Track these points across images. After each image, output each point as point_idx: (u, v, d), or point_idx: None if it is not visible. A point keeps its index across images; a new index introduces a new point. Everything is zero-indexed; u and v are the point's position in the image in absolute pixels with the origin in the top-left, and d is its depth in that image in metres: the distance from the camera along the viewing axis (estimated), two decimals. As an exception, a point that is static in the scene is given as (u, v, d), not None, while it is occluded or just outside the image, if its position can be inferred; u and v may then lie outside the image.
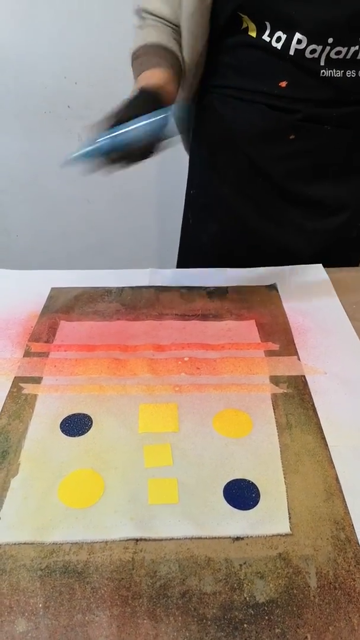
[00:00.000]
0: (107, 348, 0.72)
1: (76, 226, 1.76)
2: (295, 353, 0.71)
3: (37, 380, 0.66)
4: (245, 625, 0.43)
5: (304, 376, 0.67)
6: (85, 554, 0.47)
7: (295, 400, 0.63)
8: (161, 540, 0.48)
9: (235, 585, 0.45)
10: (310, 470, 0.55)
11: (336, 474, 0.54)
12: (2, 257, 1.82)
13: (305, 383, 0.66)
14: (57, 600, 0.44)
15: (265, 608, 0.43)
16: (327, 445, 0.57)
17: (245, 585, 0.45)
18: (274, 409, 0.62)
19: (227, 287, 0.84)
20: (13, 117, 1.57)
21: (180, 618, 0.43)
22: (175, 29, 0.82)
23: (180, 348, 0.71)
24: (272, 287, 0.84)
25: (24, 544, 0.48)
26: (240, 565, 0.46)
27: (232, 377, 0.67)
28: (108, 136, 0.63)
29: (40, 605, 0.44)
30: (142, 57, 0.80)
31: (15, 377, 0.66)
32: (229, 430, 0.59)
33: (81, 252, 1.81)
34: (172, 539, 0.48)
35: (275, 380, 0.66)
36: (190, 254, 1.06)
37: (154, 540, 0.48)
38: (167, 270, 0.89)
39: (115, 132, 0.63)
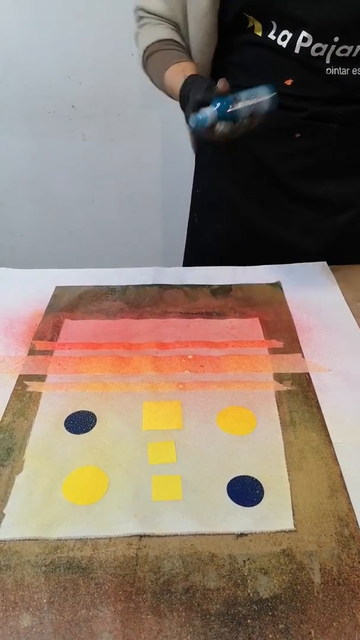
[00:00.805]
0: (111, 346, 0.72)
1: (80, 225, 1.76)
2: (300, 350, 0.70)
3: (41, 378, 0.66)
4: (249, 621, 0.43)
5: (308, 373, 0.67)
6: (89, 550, 0.47)
7: (300, 398, 0.63)
8: (165, 536, 0.48)
9: (239, 581, 0.45)
10: (314, 467, 0.55)
11: (340, 471, 0.54)
12: (7, 256, 1.83)
13: (309, 380, 0.66)
14: (61, 595, 0.44)
15: (269, 604, 0.44)
16: (331, 442, 0.57)
17: (249, 581, 0.45)
18: (278, 406, 0.62)
19: (231, 285, 0.84)
20: (17, 117, 1.57)
21: (184, 614, 0.43)
22: (175, 26, 0.83)
23: (184, 346, 0.72)
24: (276, 285, 0.84)
25: (29, 540, 0.48)
26: (244, 561, 0.46)
27: (236, 374, 0.67)
28: (243, 101, 0.64)
29: (45, 601, 0.44)
30: (159, 51, 0.81)
31: (19, 375, 0.67)
32: (233, 428, 0.59)
33: (85, 251, 1.81)
34: (176, 535, 0.49)
35: (279, 377, 0.66)
36: (197, 253, 1.06)
37: (158, 536, 0.48)
38: (171, 268, 0.89)
39: (247, 98, 0.64)
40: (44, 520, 0.50)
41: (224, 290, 0.83)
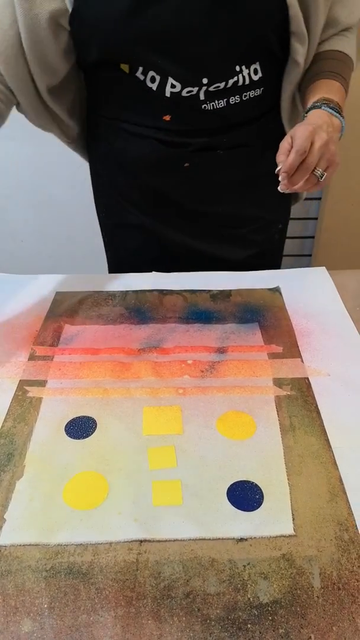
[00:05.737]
0: (111, 351, 0.72)
1: (81, 231, 1.77)
2: (299, 355, 0.71)
3: (42, 383, 0.67)
4: (249, 626, 0.43)
5: (308, 378, 0.67)
6: (89, 555, 0.48)
7: (299, 402, 0.63)
8: (165, 541, 0.49)
9: (239, 585, 0.45)
10: (314, 471, 0.55)
11: (340, 475, 0.54)
12: (7, 262, 1.84)
13: (308, 385, 0.66)
14: (62, 600, 0.44)
15: (269, 608, 0.44)
16: (330, 446, 0.58)
17: (249, 585, 0.45)
18: (277, 411, 0.62)
19: (230, 290, 0.85)
20: (18, 123, 1.58)
21: (184, 618, 0.43)
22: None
23: (183, 351, 0.72)
24: (275, 290, 0.85)
25: (29, 545, 0.49)
26: (244, 566, 0.47)
27: (236, 379, 0.67)
28: None
29: (46, 606, 0.44)
30: None
31: (20, 380, 0.67)
32: (233, 432, 0.60)
33: (85, 257, 1.81)
34: (176, 540, 0.49)
35: (278, 382, 0.66)
36: (115, 267, 1.03)
37: (158, 541, 0.49)
38: (170, 274, 0.90)
39: None
40: (44, 525, 0.50)
41: (223, 295, 0.84)
